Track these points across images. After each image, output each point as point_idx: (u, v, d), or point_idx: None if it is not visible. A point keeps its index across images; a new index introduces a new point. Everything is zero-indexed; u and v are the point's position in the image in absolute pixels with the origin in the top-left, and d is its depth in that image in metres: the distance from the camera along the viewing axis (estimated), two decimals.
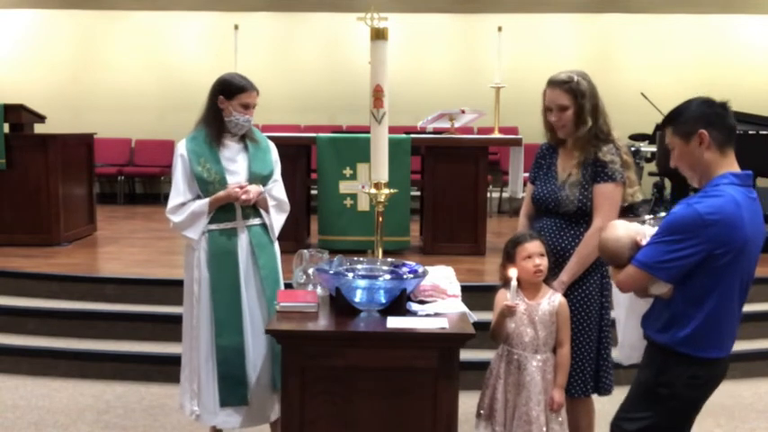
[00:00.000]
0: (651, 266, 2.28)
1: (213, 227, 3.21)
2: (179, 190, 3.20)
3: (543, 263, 2.82)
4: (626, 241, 2.42)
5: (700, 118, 2.30)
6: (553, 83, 2.91)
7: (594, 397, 3.04)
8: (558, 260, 2.92)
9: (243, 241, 3.25)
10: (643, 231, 2.45)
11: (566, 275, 2.89)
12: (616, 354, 2.90)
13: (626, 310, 2.62)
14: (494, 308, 2.90)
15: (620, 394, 2.83)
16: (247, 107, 3.21)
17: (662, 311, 2.37)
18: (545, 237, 2.93)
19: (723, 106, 2.33)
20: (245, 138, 3.30)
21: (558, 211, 2.94)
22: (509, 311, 2.76)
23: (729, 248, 2.21)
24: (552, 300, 2.84)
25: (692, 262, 2.23)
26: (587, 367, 2.94)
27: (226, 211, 3.22)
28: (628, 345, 2.65)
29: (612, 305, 2.92)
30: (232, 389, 3.20)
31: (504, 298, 2.82)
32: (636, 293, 2.47)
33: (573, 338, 2.90)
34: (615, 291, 2.69)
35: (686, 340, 2.29)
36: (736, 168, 2.32)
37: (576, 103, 2.86)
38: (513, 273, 2.70)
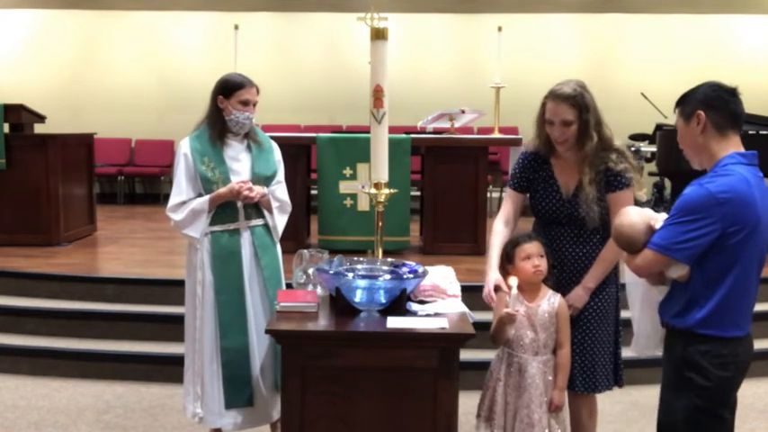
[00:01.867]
0: (668, 248, 2.29)
1: (216, 228, 3.21)
2: (181, 188, 3.19)
3: (542, 264, 2.82)
4: (641, 226, 2.43)
5: (701, 100, 2.35)
6: (557, 96, 2.80)
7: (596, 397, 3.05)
8: (577, 268, 2.91)
9: (246, 242, 3.25)
10: (656, 216, 2.46)
11: (592, 282, 2.88)
12: (627, 352, 2.91)
13: (640, 301, 2.62)
14: (493, 311, 2.90)
15: (621, 395, 2.85)
16: (246, 104, 3.19)
17: (680, 296, 2.38)
18: (562, 246, 2.92)
19: (730, 91, 2.36)
20: (248, 138, 3.30)
21: (571, 224, 2.91)
22: (509, 319, 2.75)
23: (743, 226, 2.24)
24: (552, 301, 2.84)
25: (708, 241, 2.25)
26: (609, 363, 2.95)
27: (228, 211, 3.21)
28: (643, 336, 2.65)
29: (625, 305, 2.92)
30: (237, 390, 3.20)
31: (504, 301, 2.82)
32: (651, 280, 2.48)
33: (595, 336, 2.91)
34: (627, 283, 2.69)
35: (704, 321, 2.31)
36: (740, 149, 2.35)
37: (580, 119, 2.79)
38: (513, 281, 2.71)
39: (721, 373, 2.33)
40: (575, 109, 2.78)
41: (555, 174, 2.95)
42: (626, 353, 3.01)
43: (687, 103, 2.38)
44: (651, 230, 2.40)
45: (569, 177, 2.90)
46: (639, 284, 2.58)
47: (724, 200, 2.22)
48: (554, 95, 2.82)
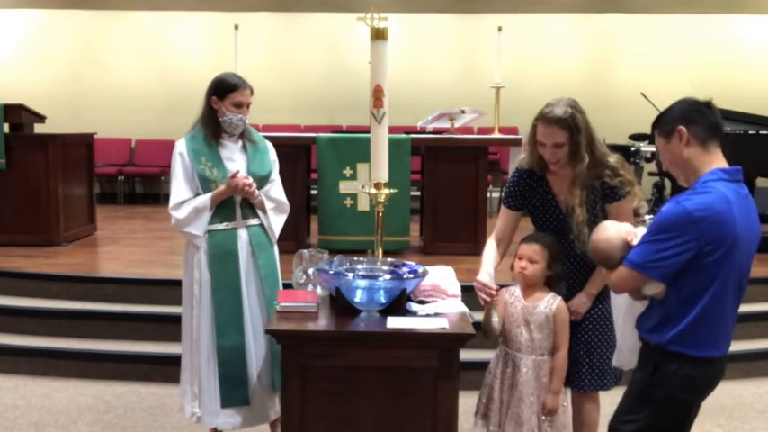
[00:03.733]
0: (642, 266, 2.28)
1: (213, 227, 3.21)
2: (180, 187, 3.19)
3: (529, 268, 2.82)
4: (617, 242, 2.42)
5: (679, 116, 2.33)
6: (548, 119, 2.76)
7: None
8: (582, 275, 2.93)
9: (243, 241, 3.25)
10: (634, 231, 2.44)
11: (594, 288, 2.89)
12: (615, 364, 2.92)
13: (624, 315, 2.61)
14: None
15: (621, 395, 2.85)
16: (240, 106, 3.19)
17: (656, 312, 2.36)
18: (567, 255, 2.91)
19: (706, 104, 2.35)
20: (243, 138, 3.30)
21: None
22: (488, 302, 2.79)
23: (719, 245, 2.21)
24: (550, 303, 2.84)
25: (683, 260, 2.22)
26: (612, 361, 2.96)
27: (225, 211, 3.22)
28: (627, 349, 2.64)
29: None
30: (233, 389, 3.20)
31: (505, 297, 2.88)
32: (631, 295, 2.47)
33: (601, 338, 2.91)
34: (613, 296, 2.69)
35: (678, 338, 2.29)
36: (723, 164, 2.32)
37: (571, 140, 2.76)
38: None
39: (684, 395, 2.32)
40: (565, 131, 2.75)
41: (553, 189, 2.95)
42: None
43: (665, 121, 2.36)
44: (628, 246, 2.38)
45: (568, 193, 2.88)
46: (623, 298, 2.57)
47: (700, 218, 2.19)
48: (545, 118, 2.78)
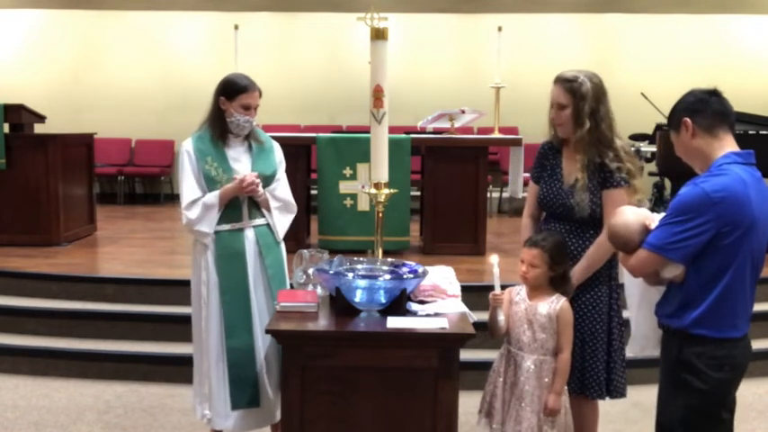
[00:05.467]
0: (663, 248, 2.30)
1: (220, 228, 3.20)
2: (192, 186, 3.17)
3: (530, 272, 2.82)
4: (635, 226, 2.44)
5: (683, 108, 2.38)
6: (557, 79, 2.89)
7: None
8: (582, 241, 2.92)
9: (250, 241, 3.24)
10: (652, 216, 2.46)
11: (574, 278, 2.88)
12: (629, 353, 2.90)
13: (638, 301, 2.61)
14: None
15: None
16: (248, 108, 3.18)
17: (674, 296, 2.38)
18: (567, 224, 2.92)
19: (709, 92, 2.38)
20: (249, 138, 3.30)
21: (566, 217, 2.92)
22: (494, 301, 2.81)
23: (736, 226, 2.24)
24: (553, 304, 2.82)
25: (702, 241, 2.25)
26: (601, 369, 2.92)
27: (233, 211, 3.21)
28: (641, 335, 2.65)
29: (624, 306, 2.90)
30: (243, 391, 3.19)
31: (511, 295, 2.88)
32: (647, 279, 2.48)
33: (585, 341, 2.90)
34: (627, 283, 2.69)
35: (698, 321, 2.30)
36: (735, 148, 2.35)
37: (573, 103, 2.82)
38: (493, 259, 2.75)
39: (717, 375, 2.32)
40: (569, 93, 2.83)
41: (562, 163, 2.98)
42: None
43: (672, 115, 2.42)
44: (646, 230, 2.41)
45: (572, 166, 2.92)
46: (638, 284, 2.57)
47: (719, 199, 2.22)
48: (556, 79, 2.90)
